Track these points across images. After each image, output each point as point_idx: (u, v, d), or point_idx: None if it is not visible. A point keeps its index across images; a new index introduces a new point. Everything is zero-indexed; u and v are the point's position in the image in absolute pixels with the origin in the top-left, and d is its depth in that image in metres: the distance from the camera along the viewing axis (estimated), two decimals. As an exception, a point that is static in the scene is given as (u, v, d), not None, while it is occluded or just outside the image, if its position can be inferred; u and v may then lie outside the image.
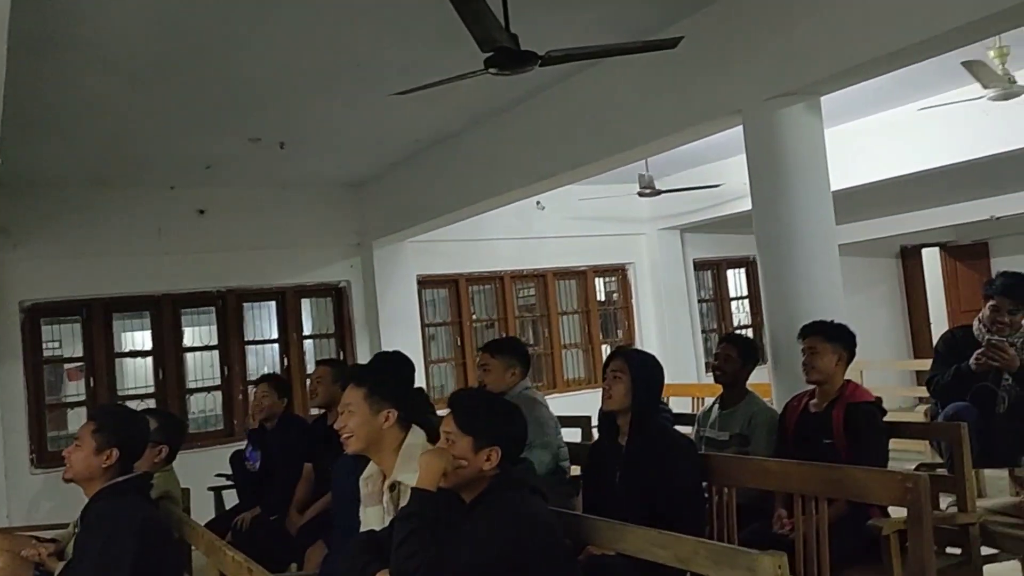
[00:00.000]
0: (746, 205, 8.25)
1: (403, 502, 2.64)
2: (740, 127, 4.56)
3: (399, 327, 8.18)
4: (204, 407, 8.03)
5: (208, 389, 8.00)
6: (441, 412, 3.25)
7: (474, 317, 9.10)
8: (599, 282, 9.91)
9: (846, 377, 3.74)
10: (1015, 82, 5.38)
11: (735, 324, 10.38)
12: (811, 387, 3.76)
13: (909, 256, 11.58)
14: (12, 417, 6.73)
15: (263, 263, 7.89)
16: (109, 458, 3.06)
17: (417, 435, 2.81)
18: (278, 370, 8.05)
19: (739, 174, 8.17)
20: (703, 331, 10.05)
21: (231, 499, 5.61)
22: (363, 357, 8.25)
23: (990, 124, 6.18)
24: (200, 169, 6.95)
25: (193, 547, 3.48)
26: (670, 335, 9.50)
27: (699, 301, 10.07)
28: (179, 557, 3.35)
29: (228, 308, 7.89)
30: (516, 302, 9.33)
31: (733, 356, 4.20)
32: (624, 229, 9.54)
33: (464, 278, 8.96)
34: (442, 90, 4.07)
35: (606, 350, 9.71)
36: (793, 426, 3.82)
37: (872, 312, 10.59)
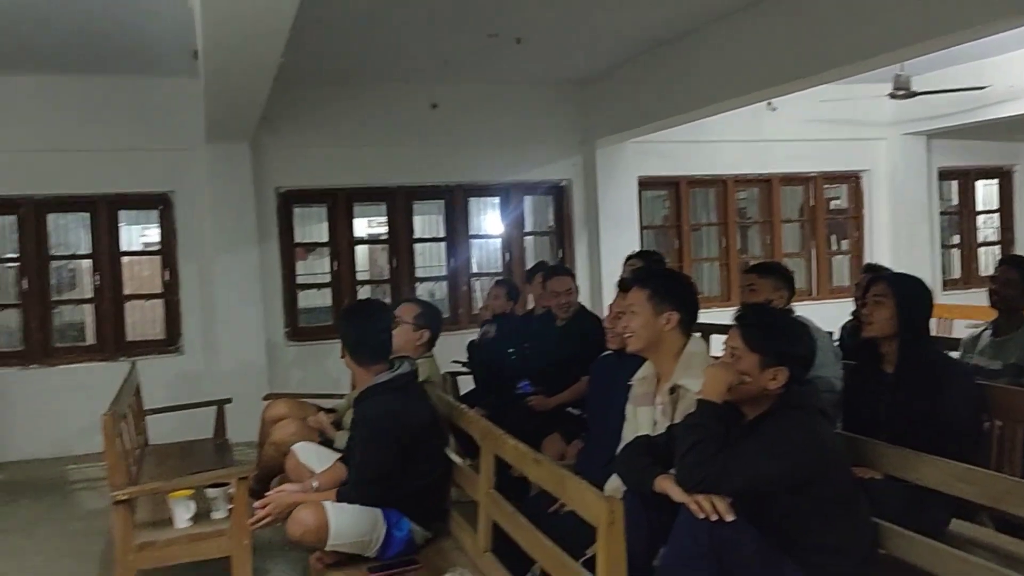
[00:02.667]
0: (1012, 110, 7.54)
1: (682, 406, 2.67)
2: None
3: (618, 227, 8.21)
4: (431, 296, 8.48)
5: (435, 279, 8.43)
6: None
7: (692, 222, 8.91)
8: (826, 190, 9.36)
9: None
10: None
11: (980, 240, 9.54)
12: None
13: None
14: (270, 295, 7.38)
15: (489, 158, 8.03)
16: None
17: (698, 343, 2.80)
18: (500, 266, 8.33)
19: (1007, 75, 7.42)
20: (943, 246, 9.31)
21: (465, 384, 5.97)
22: (581, 256, 8.35)
23: None
24: (437, 64, 7.10)
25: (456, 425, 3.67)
26: (904, 249, 8.84)
27: (940, 214, 9.29)
28: (440, 440, 3.52)
29: (455, 202, 8.17)
30: (736, 207, 9.02)
31: (1014, 279, 3.88)
32: (862, 133, 8.88)
33: (685, 181, 8.74)
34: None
35: (831, 262, 9.24)
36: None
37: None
